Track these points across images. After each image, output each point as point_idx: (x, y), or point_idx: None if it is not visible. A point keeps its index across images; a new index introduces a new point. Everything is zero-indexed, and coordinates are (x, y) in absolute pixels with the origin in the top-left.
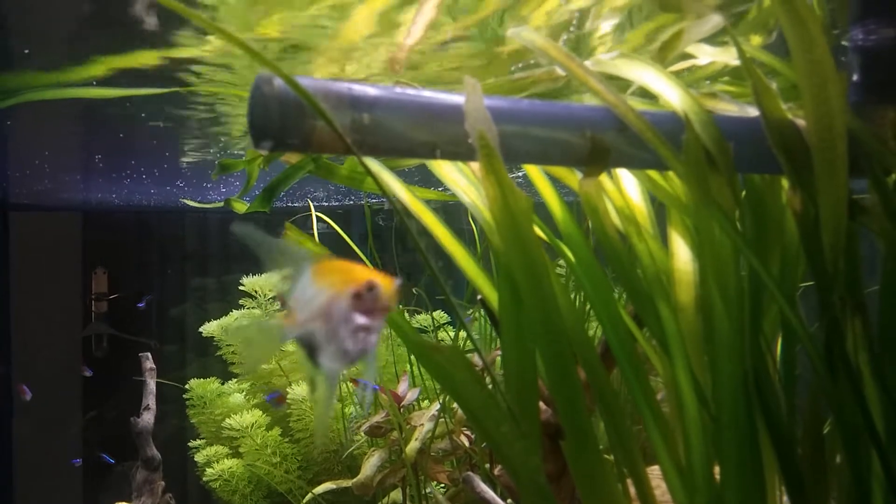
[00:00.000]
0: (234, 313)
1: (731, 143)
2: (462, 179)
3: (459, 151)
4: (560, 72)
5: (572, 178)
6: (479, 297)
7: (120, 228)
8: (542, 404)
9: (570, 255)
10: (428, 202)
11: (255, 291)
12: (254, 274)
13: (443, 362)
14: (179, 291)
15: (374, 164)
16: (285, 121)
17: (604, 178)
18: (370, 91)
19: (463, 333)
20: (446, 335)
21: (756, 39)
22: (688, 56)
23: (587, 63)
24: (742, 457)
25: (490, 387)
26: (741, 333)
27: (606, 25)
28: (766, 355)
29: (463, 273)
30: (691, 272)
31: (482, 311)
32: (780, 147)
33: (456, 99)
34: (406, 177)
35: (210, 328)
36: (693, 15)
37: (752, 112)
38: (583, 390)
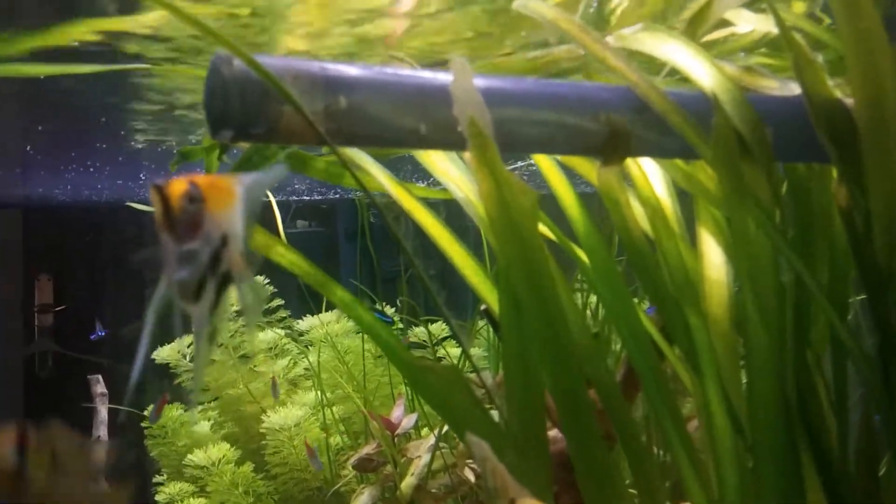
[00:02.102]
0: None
1: (770, 126)
2: (453, 169)
3: (453, 140)
4: (580, 50)
5: (587, 166)
6: (482, 306)
7: (67, 228)
8: (556, 431)
9: (584, 258)
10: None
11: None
12: None
13: (437, 385)
14: (137, 302)
15: (358, 154)
16: (247, 107)
17: (628, 164)
18: (348, 71)
19: (471, 350)
20: (451, 351)
21: (799, 6)
22: (722, 24)
23: (608, 38)
24: (784, 495)
25: (494, 412)
26: (782, 349)
27: None
28: (812, 375)
29: (464, 279)
30: (724, 277)
31: (488, 323)
32: (825, 130)
33: (447, 79)
34: (397, 166)
35: (164, 353)
36: None
37: (795, 89)
38: (596, 418)
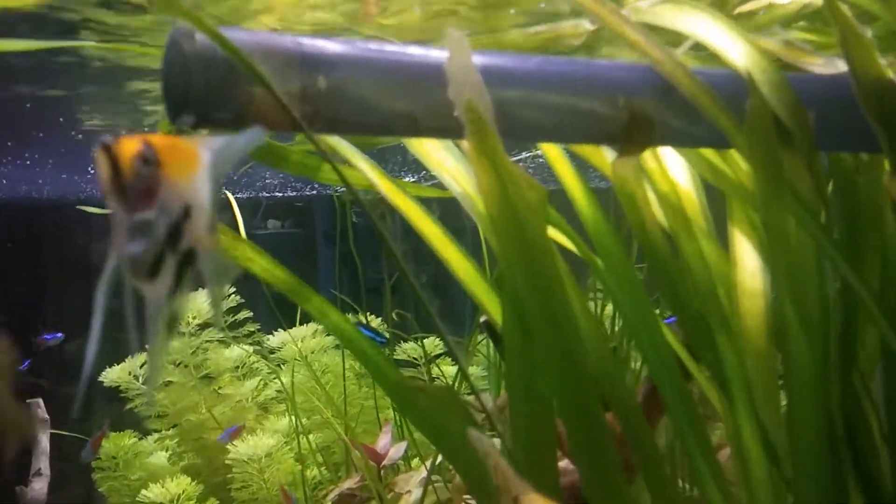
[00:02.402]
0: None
1: (812, 110)
2: (449, 160)
3: (448, 126)
4: (587, 24)
5: (600, 157)
6: (482, 318)
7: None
8: (567, 461)
9: (599, 262)
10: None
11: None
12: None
13: (430, 409)
14: (83, 314)
15: (339, 144)
16: (212, 88)
17: (646, 156)
18: (328, 48)
19: (469, 369)
20: (445, 370)
21: None
22: None
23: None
24: None
25: (496, 440)
26: (827, 368)
27: None
28: (861, 398)
29: (461, 286)
30: (760, 285)
31: (488, 338)
32: (875, 114)
33: (442, 56)
34: (385, 156)
35: (113, 375)
36: None
37: (841, 67)
38: (613, 445)
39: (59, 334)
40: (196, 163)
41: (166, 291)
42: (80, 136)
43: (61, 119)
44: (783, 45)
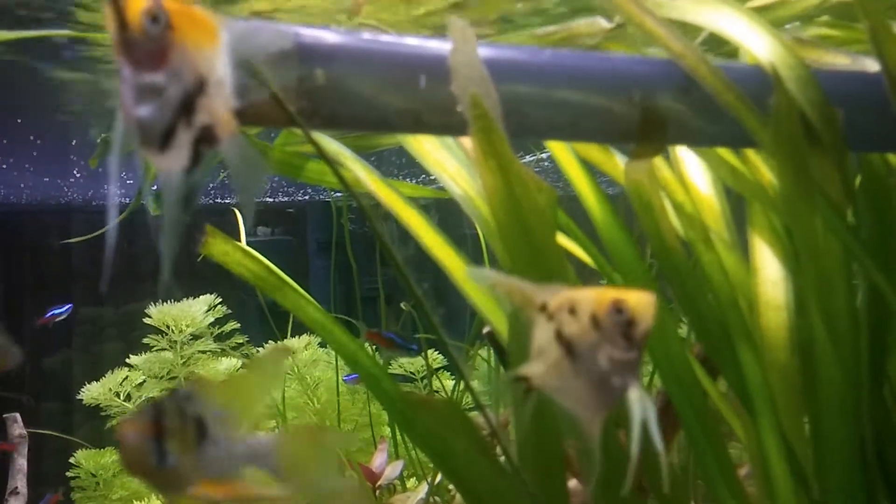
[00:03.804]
0: (135, 360)
1: (841, 109)
2: (451, 161)
3: (452, 123)
4: (603, 22)
5: (611, 162)
6: (485, 329)
7: None
8: (576, 482)
9: (611, 271)
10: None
11: (168, 326)
12: (167, 301)
13: (433, 425)
14: (62, 326)
15: (330, 143)
16: None
17: (659, 161)
18: (327, 38)
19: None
20: (445, 384)
21: None
22: None
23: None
24: None
25: (501, 459)
26: (857, 382)
27: None
28: (893, 413)
29: (463, 296)
30: (782, 296)
31: (491, 350)
32: None
33: (447, 48)
34: (389, 158)
35: (93, 392)
36: None
37: (870, 66)
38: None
39: (69, 305)
40: (213, 37)
41: (180, 166)
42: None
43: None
44: (808, 41)
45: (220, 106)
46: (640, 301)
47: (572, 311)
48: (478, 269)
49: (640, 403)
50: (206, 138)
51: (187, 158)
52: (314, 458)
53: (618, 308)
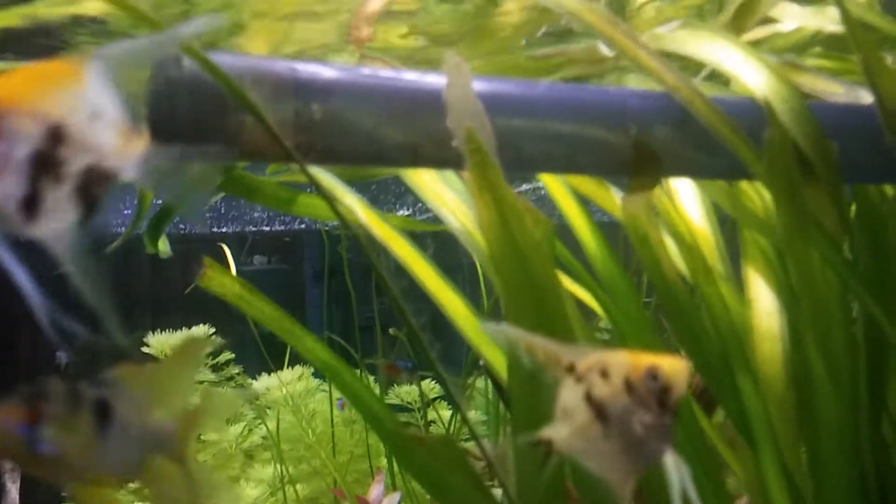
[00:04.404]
0: None
1: (836, 141)
2: (449, 194)
3: (449, 156)
4: (604, 49)
5: (606, 195)
6: (480, 361)
7: None
8: None
9: (607, 303)
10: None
11: (165, 356)
12: (166, 329)
13: (429, 460)
14: (52, 357)
15: (323, 176)
16: (200, 116)
17: (657, 190)
18: (323, 73)
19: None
20: (442, 414)
21: None
22: (766, 21)
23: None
24: None
25: (499, 493)
26: (856, 415)
27: None
28: (892, 446)
29: (457, 328)
30: (776, 327)
31: (487, 382)
32: None
33: (442, 83)
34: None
35: None
36: None
37: (864, 97)
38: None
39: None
40: (69, 80)
41: (66, 224)
42: None
43: None
44: (802, 71)
45: (103, 139)
46: (674, 367)
47: (604, 374)
48: (494, 326)
49: (676, 469)
50: (94, 179)
51: (75, 212)
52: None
53: (653, 374)
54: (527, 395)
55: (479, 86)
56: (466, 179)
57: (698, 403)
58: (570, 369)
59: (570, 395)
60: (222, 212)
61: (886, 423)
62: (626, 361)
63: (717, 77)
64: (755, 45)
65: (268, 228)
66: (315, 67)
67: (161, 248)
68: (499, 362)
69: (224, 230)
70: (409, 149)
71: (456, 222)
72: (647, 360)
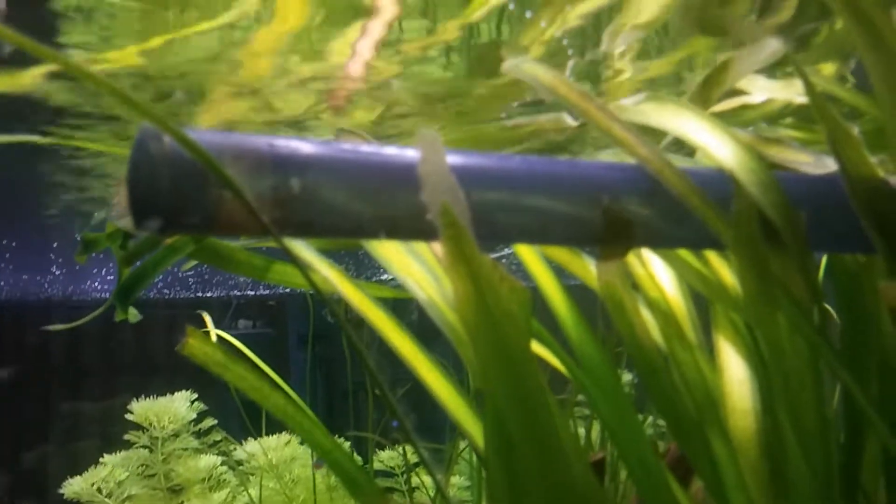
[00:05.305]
0: (109, 460)
1: (804, 210)
2: (415, 264)
3: (424, 228)
4: (569, 119)
5: (579, 264)
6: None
7: None
8: None
9: (583, 376)
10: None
11: (150, 423)
12: (150, 395)
13: None
14: (40, 421)
15: (296, 245)
16: (180, 192)
17: (632, 257)
18: (301, 148)
19: (452, 478)
20: (425, 480)
21: (828, 68)
22: (735, 92)
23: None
24: None
25: None
26: (829, 484)
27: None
28: None
29: (434, 395)
30: (748, 395)
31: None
32: (868, 216)
33: (417, 157)
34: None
35: (74, 488)
36: (739, 38)
37: (831, 166)
38: None
39: None
40: None
41: None
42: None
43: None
44: (770, 142)
45: None
46: None
47: None
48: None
49: None
50: None
51: None
52: None
53: None
54: (503, 465)
55: (455, 159)
56: (439, 252)
57: (674, 472)
58: None
59: None
60: (206, 277)
61: (859, 495)
62: None
63: (680, 145)
64: (726, 115)
65: (252, 293)
66: (294, 143)
67: (131, 314)
68: (475, 431)
69: (209, 294)
70: (386, 222)
71: (423, 294)
72: None
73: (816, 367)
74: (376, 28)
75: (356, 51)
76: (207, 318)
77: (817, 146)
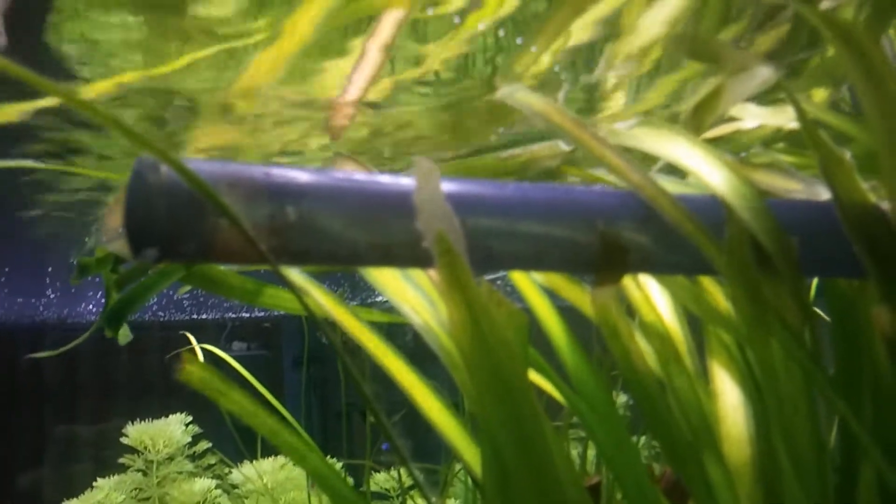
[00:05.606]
0: (103, 484)
1: (797, 236)
2: (410, 290)
3: (420, 255)
4: (563, 146)
5: (573, 290)
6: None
7: None
8: None
9: (578, 400)
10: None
11: (145, 446)
12: (145, 418)
13: None
14: (34, 445)
15: (289, 271)
16: (177, 221)
17: (628, 281)
18: (297, 177)
19: (448, 500)
20: (418, 503)
21: (820, 94)
22: (728, 119)
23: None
24: None
25: None
26: None
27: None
28: None
29: (428, 419)
30: (742, 420)
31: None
32: (860, 241)
33: (413, 185)
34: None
35: None
36: (731, 65)
37: (823, 192)
38: None
39: None
40: None
41: None
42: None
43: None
44: (763, 169)
45: None
46: None
47: None
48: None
49: None
50: None
51: None
52: None
53: None
54: (499, 491)
55: (450, 187)
56: (435, 278)
57: (669, 497)
58: None
59: None
60: (201, 299)
61: None
62: None
63: (672, 169)
64: (718, 141)
65: (248, 315)
66: (290, 172)
67: (121, 335)
68: (471, 455)
69: (204, 316)
70: (382, 249)
71: (419, 319)
72: None
73: (810, 393)
74: (374, 53)
75: (353, 79)
76: (193, 341)
77: (810, 170)
